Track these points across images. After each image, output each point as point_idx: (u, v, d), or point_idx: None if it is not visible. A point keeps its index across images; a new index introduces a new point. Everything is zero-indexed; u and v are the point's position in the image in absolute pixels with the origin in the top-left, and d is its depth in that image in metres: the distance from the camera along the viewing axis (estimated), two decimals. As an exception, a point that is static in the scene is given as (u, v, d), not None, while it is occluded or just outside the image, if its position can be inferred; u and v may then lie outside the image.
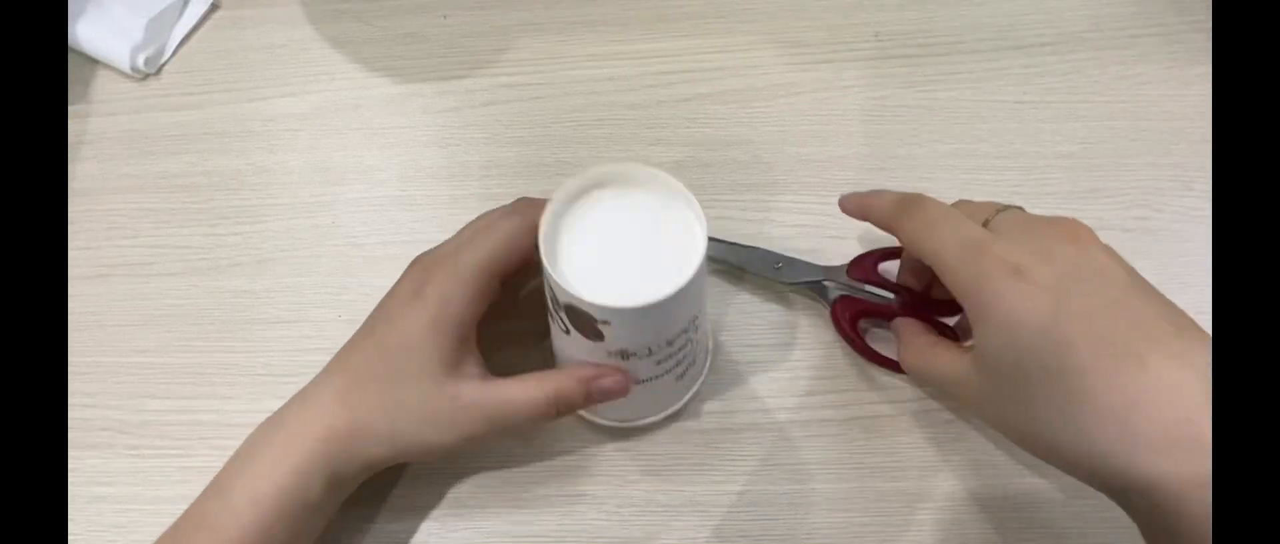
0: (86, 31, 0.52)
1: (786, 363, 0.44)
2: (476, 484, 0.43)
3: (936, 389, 0.42)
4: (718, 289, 0.45)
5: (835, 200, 0.46)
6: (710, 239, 0.33)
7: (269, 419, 0.37)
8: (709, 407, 0.43)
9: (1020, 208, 0.35)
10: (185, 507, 0.43)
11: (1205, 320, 0.43)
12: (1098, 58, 0.49)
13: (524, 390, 0.36)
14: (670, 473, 0.42)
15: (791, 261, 0.44)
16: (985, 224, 0.34)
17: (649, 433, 0.43)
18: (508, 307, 0.39)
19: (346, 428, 0.35)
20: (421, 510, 0.42)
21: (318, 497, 0.35)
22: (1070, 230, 0.33)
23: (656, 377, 0.37)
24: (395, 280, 0.39)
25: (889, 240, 0.40)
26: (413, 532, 0.42)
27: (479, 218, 0.38)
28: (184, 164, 0.50)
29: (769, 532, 0.41)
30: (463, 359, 0.36)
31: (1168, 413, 0.28)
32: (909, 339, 0.39)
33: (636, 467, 0.42)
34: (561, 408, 0.36)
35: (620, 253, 0.33)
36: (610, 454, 0.43)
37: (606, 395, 0.36)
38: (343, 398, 0.36)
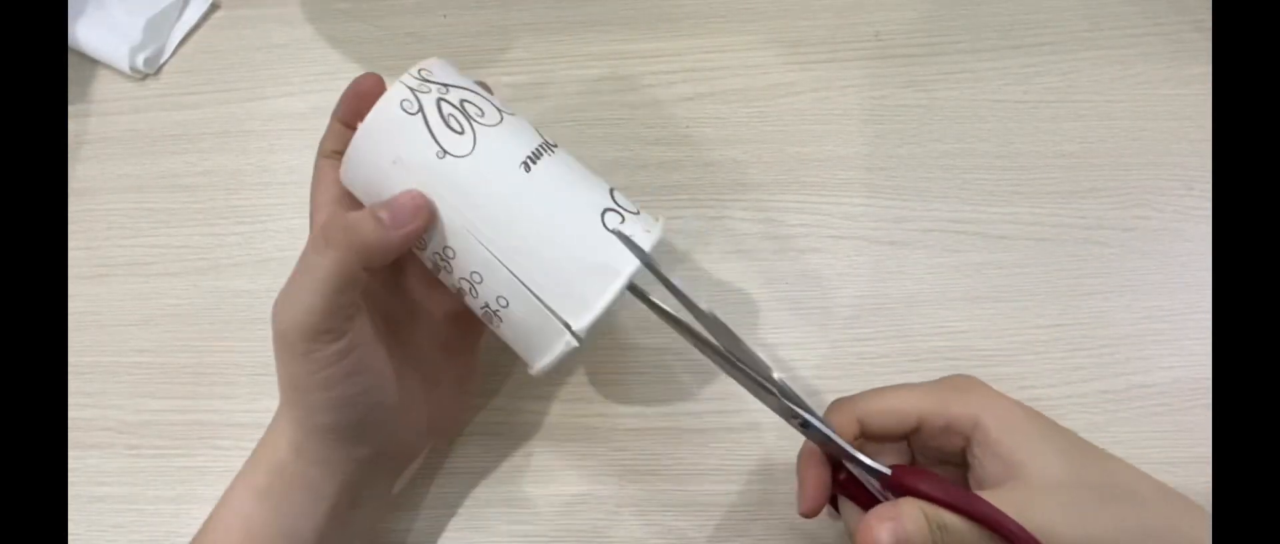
0: (86, 31, 0.52)
1: (785, 363, 0.44)
2: (476, 484, 0.43)
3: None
4: (720, 296, 0.45)
5: (835, 200, 0.47)
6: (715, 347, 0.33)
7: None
8: (709, 407, 0.43)
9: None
10: (185, 507, 0.43)
11: (1205, 320, 0.43)
12: (1098, 58, 0.49)
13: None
14: (670, 473, 0.42)
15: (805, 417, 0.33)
16: None
17: (649, 433, 0.43)
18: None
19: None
20: (420, 510, 0.42)
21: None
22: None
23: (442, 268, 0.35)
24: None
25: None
26: (410, 531, 0.42)
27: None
28: (184, 164, 0.50)
29: (769, 532, 0.41)
30: None
31: None
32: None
33: (636, 467, 0.43)
34: (347, 234, 0.32)
35: None
36: (610, 454, 0.43)
37: (398, 210, 0.32)
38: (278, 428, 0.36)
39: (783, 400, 0.33)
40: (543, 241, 0.32)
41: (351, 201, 0.36)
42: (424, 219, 0.32)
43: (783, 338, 0.44)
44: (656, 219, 0.35)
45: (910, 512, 0.31)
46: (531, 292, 0.32)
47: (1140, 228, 0.45)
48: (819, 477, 0.34)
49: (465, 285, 0.34)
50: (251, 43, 0.53)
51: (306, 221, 0.48)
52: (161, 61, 0.53)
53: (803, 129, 0.48)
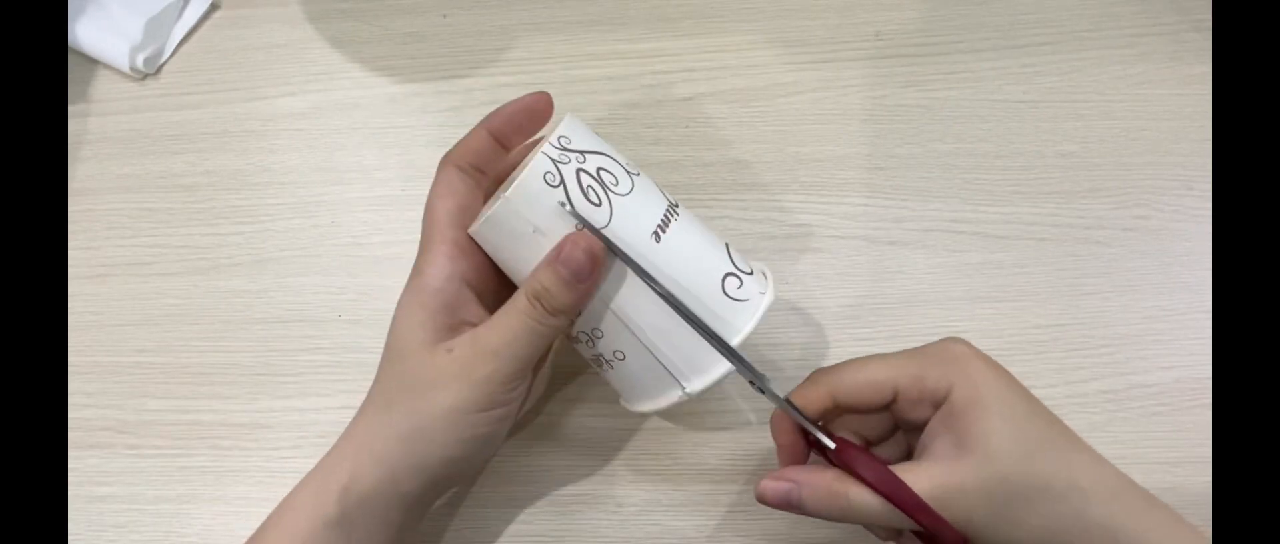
0: (86, 31, 0.52)
1: (785, 362, 0.44)
2: (477, 484, 0.43)
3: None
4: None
5: (835, 200, 0.47)
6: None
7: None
8: (708, 407, 0.43)
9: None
10: (185, 507, 0.43)
11: (1205, 320, 0.43)
12: (1098, 58, 0.49)
13: (502, 314, 0.34)
14: (670, 473, 0.42)
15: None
16: None
17: (649, 434, 0.43)
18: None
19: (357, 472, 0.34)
20: (421, 510, 0.42)
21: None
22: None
23: (589, 337, 0.36)
24: (395, 279, 0.38)
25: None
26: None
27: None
28: (184, 164, 0.50)
29: (769, 532, 0.41)
30: (458, 328, 0.35)
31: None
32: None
33: (637, 467, 0.43)
34: (547, 302, 0.33)
35: None
36: (610, 454, 0.43)
37: (576, 264, 0.32)
38: (358, 443, 0.35)
39: (746, 366, 0.34)
40: (668, 310, 0.33)
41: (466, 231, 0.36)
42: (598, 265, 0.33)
43: (782, 338, 0.44)
44: (767, 275, 0.36)
45: (816, 482, 0.32)
46: (652, 353, 0.34)
47: (1140, 228, 0.45)
48: (791, 437, 0.36)
49: (583, 337, 0.35)
50: (251, 43, 0.53)
51: (306, 221, 0.49)
52: (161, 61, 0.53)
53: (803, 129, 0.48)
